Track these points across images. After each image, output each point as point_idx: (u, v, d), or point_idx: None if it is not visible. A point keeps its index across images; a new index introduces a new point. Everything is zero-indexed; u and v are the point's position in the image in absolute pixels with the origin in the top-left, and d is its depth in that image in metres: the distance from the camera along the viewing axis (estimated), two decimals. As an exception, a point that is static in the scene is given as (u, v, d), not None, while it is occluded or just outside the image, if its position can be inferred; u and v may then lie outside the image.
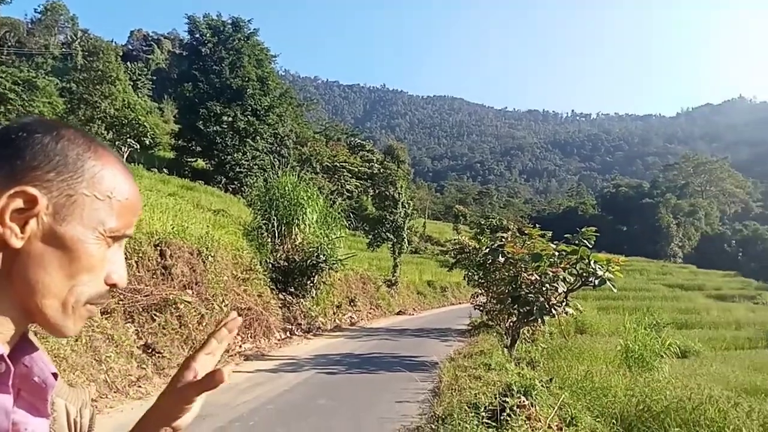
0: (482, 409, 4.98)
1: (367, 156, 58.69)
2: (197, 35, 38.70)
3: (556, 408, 5.53)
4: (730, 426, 6.26)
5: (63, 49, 51.28)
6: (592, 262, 9.47)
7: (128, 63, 49.71)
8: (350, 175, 50.22)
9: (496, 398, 5.33)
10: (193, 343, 9.69)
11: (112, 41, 42.34)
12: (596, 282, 9.50)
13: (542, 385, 7.25)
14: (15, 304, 0.68)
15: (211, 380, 0.78)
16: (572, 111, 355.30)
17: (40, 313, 0.69)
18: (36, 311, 0.69)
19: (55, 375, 0.74)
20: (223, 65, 37.23)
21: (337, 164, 48.84)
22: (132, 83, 44.92)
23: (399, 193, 27.94)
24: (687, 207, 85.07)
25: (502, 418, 4.75)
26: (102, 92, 31.05)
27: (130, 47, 73.28)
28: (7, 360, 0.66)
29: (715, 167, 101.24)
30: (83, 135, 0.74)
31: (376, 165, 56.50)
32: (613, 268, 9.56)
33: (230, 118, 35.88)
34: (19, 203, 0.66)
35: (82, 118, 30.73)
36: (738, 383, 12.58)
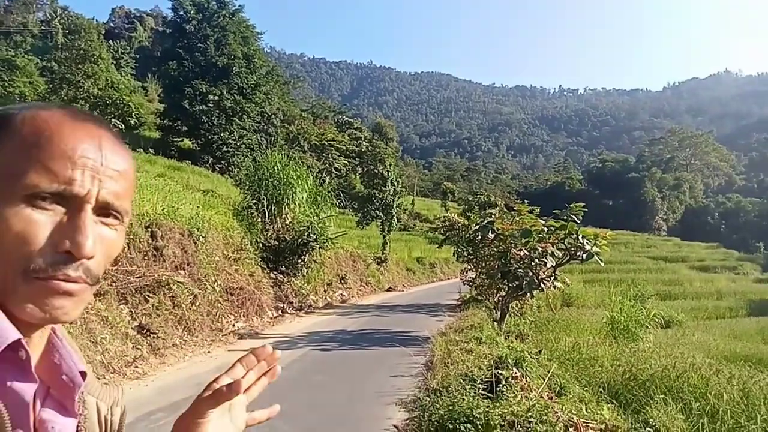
0: (478, 381, 5.14)
1: (355, 134, 58.36)
2: (181, 12, 37.90)
3: (546, 379, 5.71)
4: (712, 391, 6.51)
5: (42, 27, 50.03)
6: (580, 237, 9.64)
7: (110, 41, 48.67)
8: (338, 154, 49.97)
9: (489, 370, 5.50)
10: (187, 323, 9.79)
11: (93, 19, 41.29)
12: (584, 256, 9.69)
13: (532, 357, 7.46)
14: None
15: (227, 391, 0.74)
16: (559, 86, 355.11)
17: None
18: None
19: (83, 374, 0.71)
20: (208, 43, 36.58)
21: (325, 142, 48.54)
22: (115, 62, 44.07)
23: (388, 171, 27.97)
24: (672, 181, 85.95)
25: (497, 389, 4.91)
26: (84, 71, 30.45)
27: (111, 25, 71.62)
28: (26, 346, 0.62)
29: (700, 141, 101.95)
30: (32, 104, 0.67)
31: (364, 143, 56.24)
32: (600, 242, 9.74)
33: (216, 97, 35.41)
34: None
35: (65, 98, 30.14)
36: (719, 351, 12.96)
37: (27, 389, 0.63)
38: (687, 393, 6.64)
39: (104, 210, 0.67)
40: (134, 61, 56.00)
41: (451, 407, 4.43)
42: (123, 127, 31.63)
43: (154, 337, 8.73)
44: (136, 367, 7.64)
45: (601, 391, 6.99)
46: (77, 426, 0.72)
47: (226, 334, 10.49)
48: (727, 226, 78.20)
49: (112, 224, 0.69)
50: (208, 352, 9.16)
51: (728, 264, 49.78)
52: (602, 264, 10.48)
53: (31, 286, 0.62)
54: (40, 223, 0.62)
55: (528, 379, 5.66)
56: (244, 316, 11.97)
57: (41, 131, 0.63)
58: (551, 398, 5.16)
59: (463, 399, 4.57)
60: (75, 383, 0.70)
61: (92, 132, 0.66)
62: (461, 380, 5.38)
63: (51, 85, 31.30)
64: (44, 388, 0.68)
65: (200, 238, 11.39)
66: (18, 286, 0.62)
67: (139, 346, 8.28)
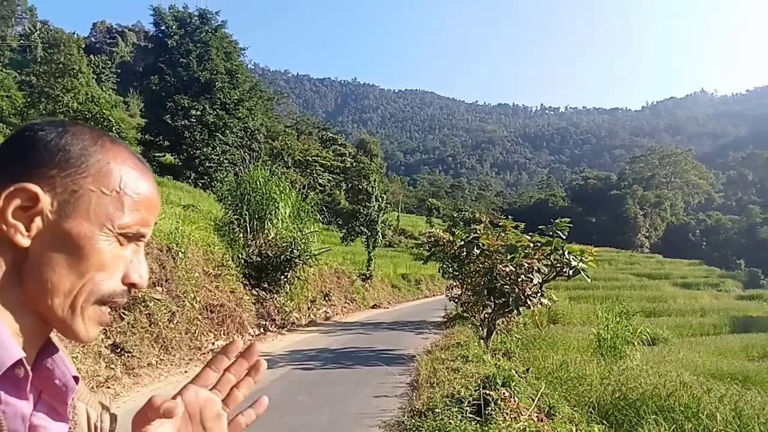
0: (465, 403, 4.92)
1: (340, 150, 58.37)
2: (163, 27, 37.73)
3: (536, 399, 5.51)
4: (704, 411, 6.35)
5: (21, 42, 49.40)
6: (566, 253, 9.53)
7: (91, 56, 48.19)
8: (323, 169, 49.82)
9: (476, 391, 5.28)
10: (164, 342, 9.44)
11: (74, 33, 40.82)
12: (570, 272, 9.57)
13: (520, 376, 7.26)
14: (31, 307, 0.67)
15: (160, 412, 0.69)
16: (541, 105, 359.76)
17: (51, 313, 0.67)
18: (46, 312, 0.67)
19: (76, 378, 0.72)
20: (191, 58, 36.39)
21: (309, 158, 48.39)
22: (95, 76, 43.62)
23: (372, 187, 27.82)
24: (653, 198, 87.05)
25: (486, 412, 4.69)
26: (64, 85, 29.98)
27: (93, 39, 71.06)
28: (26, 365, 0.64)
29: (680, 159, 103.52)
30: (90, 130, 0.72)
31: (348, 159, 56.22)
32: (586, 258, 9.64)
33: (199, 112, 35.15)
34: (19, 201, 0.65)
35: (44, 112, 29.61)
36: (706, 369, 12.89)
37: (22, 406, 0.64)
38: (678, 413, 6.47)
39: None
40: (116, 75, 55.60)
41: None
42: (103, 141, 31.07)
43: (128, 356, 8.38)
44: (108, 387, 7.30)
45: (591, 411, 6.80)
46: (68, 431, 0.72)
47: (204, 353, 10.13)
48: (708, 243, 79.30)
49: None
50: (186, 371, 8.82)
51: (711, 281, 50.21)
52: (588, 280, 10.38)
53: (97, 310, 0.69)
54: (121, 257, 0.70)
55: (517, 399, 5.45)
56: (224, 334, 11.60)
57: (134, 180, 0.71)
58: (541, 420, 4.96)
59: (450, 422, 4.34)
60: (68, 388, 0.70)
61: (150, 173, 0.75)
62: (447, 401, 5.14)
63: (29, 99, 30.75)
64: (36, 392, 0.68)
65: (179, 253, 11.07)
66: (87, 309, 0.68)
67: (113, 366, 7.94)
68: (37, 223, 0.66)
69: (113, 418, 0.82)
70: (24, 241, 0.65)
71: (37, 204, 0.66)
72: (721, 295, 40.78)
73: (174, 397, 0.72)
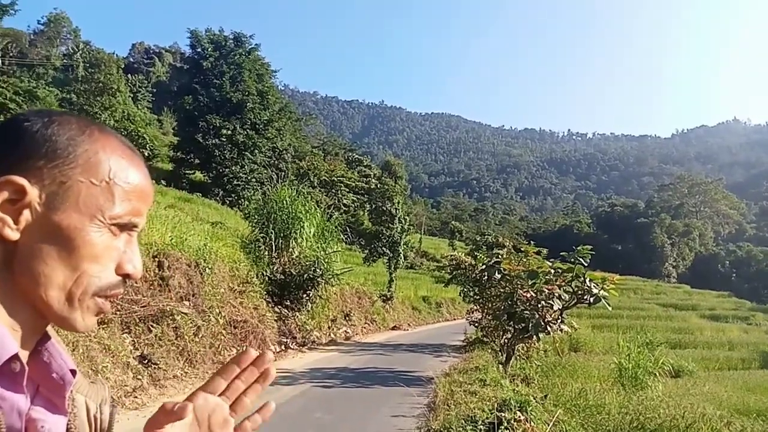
0: (479, 423, 5.02)
1: (365, 171, 58.98)
2: (199, 49, 39.02)
3: (551, 425, 5.58)
4: (723, 444, 6.31)
5: (64, 61, 51.45)
6: (587, 280, 9.55)
7: (129, 75, 49.96)
8: (347, 190, 50.37)
9: (492, 413, 5.38)
10: (189, 355, 9.70)
11: (113, 53, 42.47)
12: (591, 300, 9.58)
13: (537, 402, 7.30)
14: (25, 300, 0.66)
15: (173, 414, 0.69)
16: (568, 130, 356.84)
17: (46, 306, 0.66)
18: (41, 304, 0.66)
19: (73, 372, 0.72)
20: (224, 79, 37.48)
21: (335, 179, 49.01)
22: (132, 95, 45.13)
23: (396, 209, 28.06)
24: (681, 227, 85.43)
25: None
26: (102, 103, 31.27)
27: (131, 60, 73.78)
28: (21, 359, 0.64)
29: (710, 188, 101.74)
30: (78, 119, 0.71)
31: (373, 180, 56.74)
32: (608, 286, 9.64)
33: (229, 131, 36.06)
34: (6, 194, 0.64)
35: (82, 128, 30.75)
36: (731, 403, 12.62)
37: (19, 400, 0.64)
38: (696, 444, 6.43)
39: None
40: (151, 94, 57.44)
41: (452, 450, 4.32)
42: (136, 158, 32.11)
43: (155, 367, 8.64)
44: (135, 397, 7.55)
45: (607, 440, 6.79)
46: (67, 424, 0.73)
47: (227, 368, 10.34)
48: (738, 274, 77.27)
49: None
50: (209, 385, 9.02)
51: (740, 314, 48.71)
52: (609, 308, 10.35)
53: (91, 302, 0.68)
54: (114, 247, 0.69)
55: (532, 424, 5.52)
56: (246, 350, 11.82)
57: (124, 169, 0.71)
58: (556, 444, 5.02)
59: (465, 441, 4.46)
60: (66, 381, 0.71)
61: (141, 162, 0.74)
62: (463, 422, 5.26)
63: (69, 116, 32.05)
64: (33, 386, 0.68)
65: (207, 269, 11.39)
66: (84, 301, 0.68)
67: (140, 377, 8.20)
68: (26, 215, 0.65)
69: (112, 410, 0.82)
70: (13, 234, 0.65)
71: (25, 196, 0.65)
72: (751, 328, 39.57)
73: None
